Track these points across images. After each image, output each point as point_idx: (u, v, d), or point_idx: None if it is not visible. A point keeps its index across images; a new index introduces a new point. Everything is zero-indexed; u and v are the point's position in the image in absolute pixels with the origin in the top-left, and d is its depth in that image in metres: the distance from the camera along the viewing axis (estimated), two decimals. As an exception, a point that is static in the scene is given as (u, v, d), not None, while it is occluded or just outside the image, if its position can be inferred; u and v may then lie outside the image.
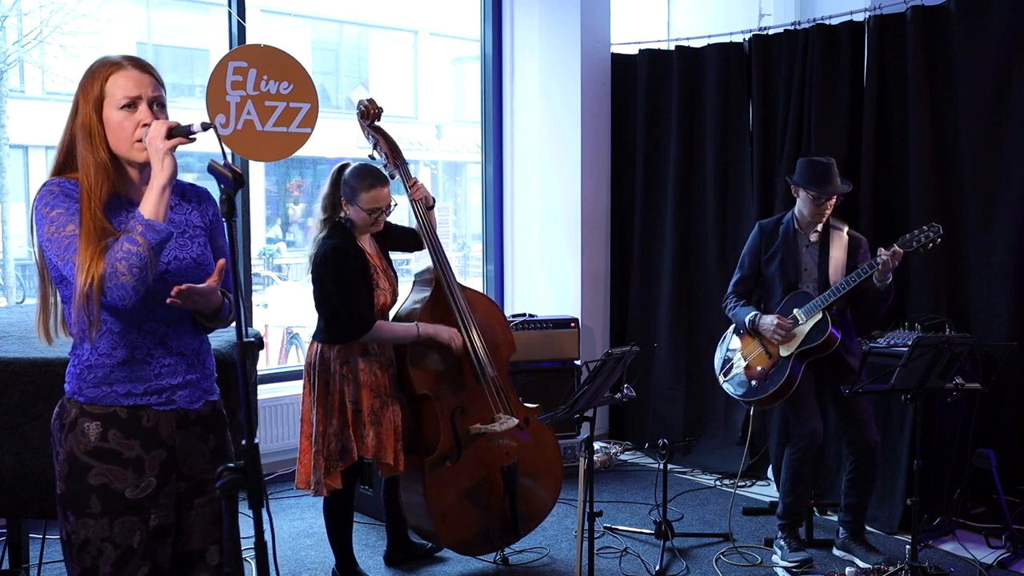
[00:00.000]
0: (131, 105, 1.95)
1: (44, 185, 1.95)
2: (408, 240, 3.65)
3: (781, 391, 3.73)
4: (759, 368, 3.80)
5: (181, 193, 2.12)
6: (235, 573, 1.76)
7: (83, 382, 1.98)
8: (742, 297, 3.95)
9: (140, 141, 1.94)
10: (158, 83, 2.00)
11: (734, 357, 3.91)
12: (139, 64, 1.99)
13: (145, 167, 1.97)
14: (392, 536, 3.83)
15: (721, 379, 3.94)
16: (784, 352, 3.75)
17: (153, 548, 1.99)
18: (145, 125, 1.94)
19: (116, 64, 1.98)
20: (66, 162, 1.99)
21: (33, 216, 1.95)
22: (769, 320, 3.76)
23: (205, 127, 1.90)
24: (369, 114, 3.56)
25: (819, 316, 3.71)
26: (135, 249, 1.83)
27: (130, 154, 1.97)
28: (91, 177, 1.93)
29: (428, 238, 3.54)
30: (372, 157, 3.59)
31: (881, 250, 3.62)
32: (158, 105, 1.98)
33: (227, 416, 2.21)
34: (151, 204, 1.87)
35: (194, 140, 1.93)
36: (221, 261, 2.01)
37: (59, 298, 2.02)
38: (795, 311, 3.75)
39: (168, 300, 1.90)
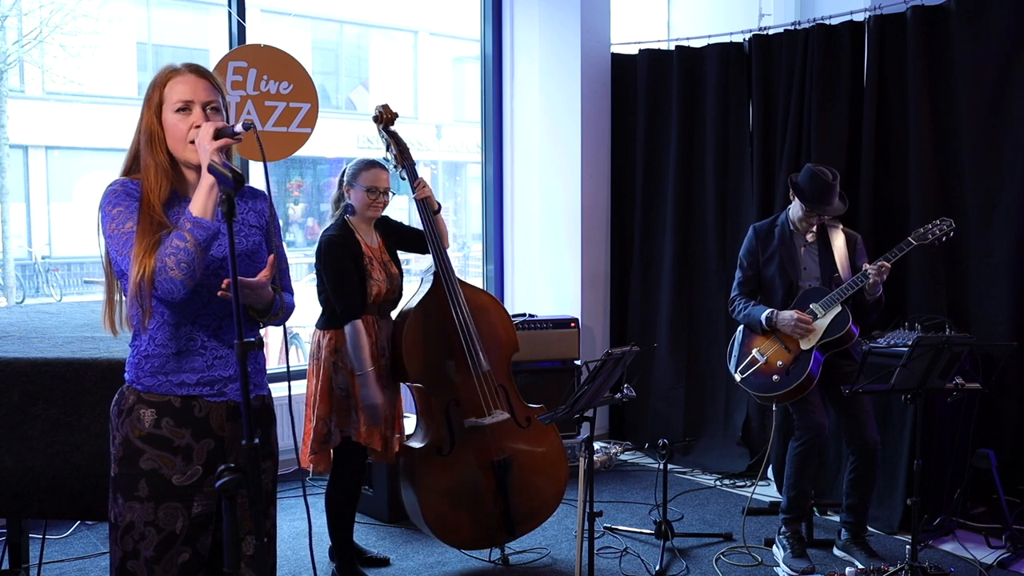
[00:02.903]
0: (185, 108, 2.06)
1: (109, 185, 2.08)
2: (416, 241, 3.71)
3: (804, 385, 3.71)
4: (779, 363, 3.78)
5: (239, 193, 2.16)
6: (234, 573, 1.77)
7: (140, 371, 2.09)
8: (749, 297, 3.94)
9: (193, 142, 2.03)
10: (214, 88, 2.11)
11: (751, 355, 3.88)
12: (196, 70, 2.11)
13: (200, 170, 2.05)
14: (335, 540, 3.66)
15: (738, 377, 3.91)
16: (804, 346, 3.75)
17: (195, 535, 2.08)
18: (197, 127, 2.03)
19: (175, 71, 2.10)
20: (132, 166, 2.11)
21: (99, 215, 2.07)
22: (788, 315, 3.74)
23: (247, 127, 1.98)
24: (383, 119, 3.71)
25: (838, 309, 3.72)
26: (183, 245, 1.93)
27: (185, 155, 2.08)
28: (151, 179, 2.05)
29: (430, 237, 3.61)
30: (386, 158, 3.73)
31: (867, 266, 3.64)
32: (212, 109, 2.09)
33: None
34: (199, 202, 1.96)
35: (240, 140, 2.02)
36: (271, 256, 2.09)
37: (124, 293, 2.11)
38: (812, 305, 3.75)
39: (219, 293, 1.98)
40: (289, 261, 2.36)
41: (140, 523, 2.05)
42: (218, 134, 1.96)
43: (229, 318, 2.11)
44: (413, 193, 3.65)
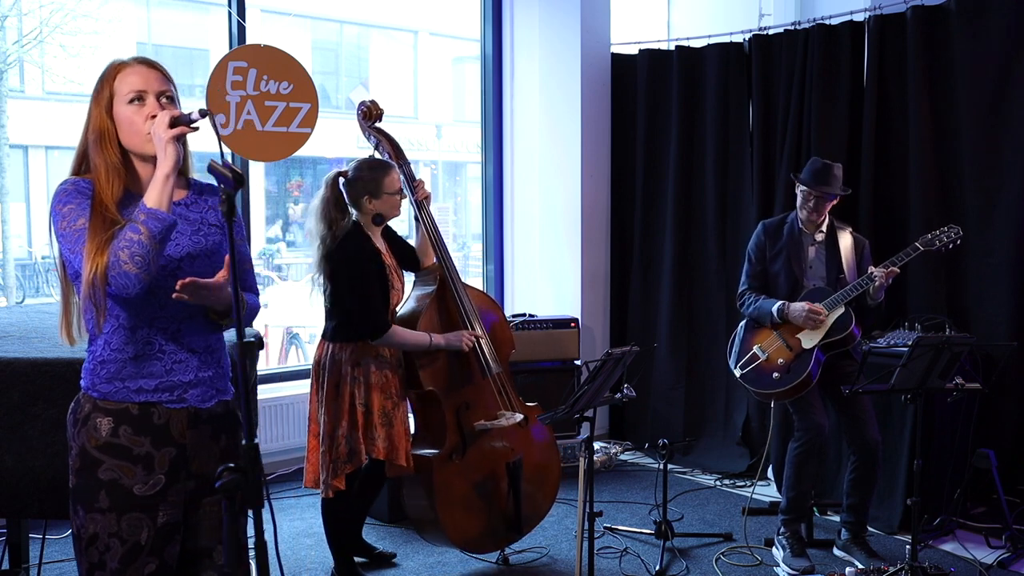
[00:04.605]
0: (139, 99, 2.00)
1: (60, 185, 2.00)
2: (411, 259, 3.64)
3: (804, 383, 3.71)
4: (780, 361, 3.78)
5: (199, 191, 2.15)
6: (235, 573, 1.76)
7: (96, 377, 2.01)
8: (759, 291, 3.94)
9: (151, 133, 1.98)
10: (166, 78, 2.05)
11: (752, 351, 3.88)
12: (145, 61, 2.05)
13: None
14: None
15: (738, 373, 3.91)
16: (806, 344, 3.75)
17: (161, 545, 2.01)
18: (153, 117, 1.97)
19: (123, 64, 2.04)
20: (81, 166, 2.04)
21: (50, 216, 1.99)
22: (800, 306, 3.74)
23: (203, 114, 1.93)
24: (371, 115, 3.60)
25: (842, 310, 3.72)
26: (137, 238, 1.85)
27: (143, 147, 2.00)
28: (103, 180, 1.98)
29: (432, 235, 3.56)
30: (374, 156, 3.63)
31: (872, 269, 3.63)
32: (166, 98, 2.03)
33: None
34: (155, 193, 1.90)
35: (196, 128, 1.95)
36: (227, 257, 1.99)
37: (79, 296, 2.03)
38: (816, 305, 3.75)
39: (173, 295, 1.91)
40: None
41: (104, 534, 1.97)
42: (174, 122, 1.91)
43: (188, 320, 2.04)
44: (412, 194, 3.55)
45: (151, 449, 2.00)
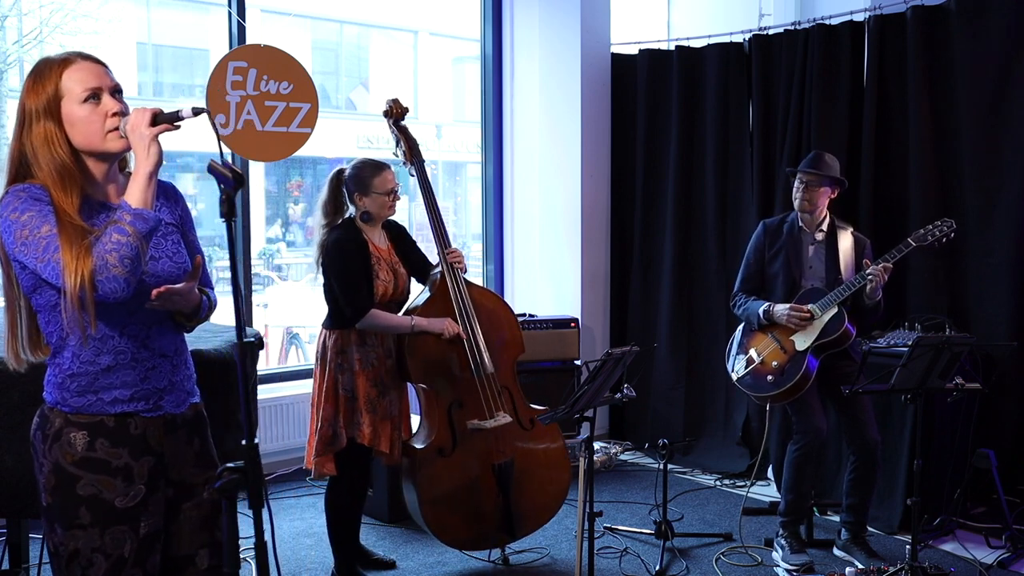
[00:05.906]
0: (94, 96, 1.88)
1: (7, 193, 1.86)
2: (419, 271, 3.68)
3: (798, 385, 3.70)
4: (774, 364, 3.78)
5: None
6: (235, 574, 1.76)
7: (66, 391, 1.93)
8: (751, 295, 3.94)
9: (115, 131, 1.88)
10: (111, 72, 1.93)
11: (748, 354, 3.88)
12: (89, 56, 1.93)
13: (113, 162, 1.95)
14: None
15: (735, 376, 3.92)
16: (800, 346, 3.74)
17: (144, 556, 1.97)
18: (115, 114, 1.89)
19: (65, 60, 1.90)
20: (18, 174, 1.90)
21: None
22: (783, 307, 3.75)
23: (197, 112, 1.84)
24: (392, 113, 3.71)
25: (835, 310, 3.71)
26: (124, 240, 1.77)
27: (104, 146, 1.90)
28: (58, 187, 1.86)
29: (437, 237, 3.60)
30: (395, 155, 3.74)
31: (867, 262, 3.63)
32: (118, 93, 1.92)
33: (226, 417, 2.21)
34: (138, 193, 1.81)
35: (179, 128, 1.86)
36: (198, 257, 1.97)
37: (27, 313, 1.94)
38: (809, 306, 3.74)
39: (148, 304, 1.88)
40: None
41: (87, 550, 1.91)
42: (155, 120, 1.81)
43: (157, 325, 1.98)
44: (444, 257, 3.60)
45: (129, 460, 1.95)
